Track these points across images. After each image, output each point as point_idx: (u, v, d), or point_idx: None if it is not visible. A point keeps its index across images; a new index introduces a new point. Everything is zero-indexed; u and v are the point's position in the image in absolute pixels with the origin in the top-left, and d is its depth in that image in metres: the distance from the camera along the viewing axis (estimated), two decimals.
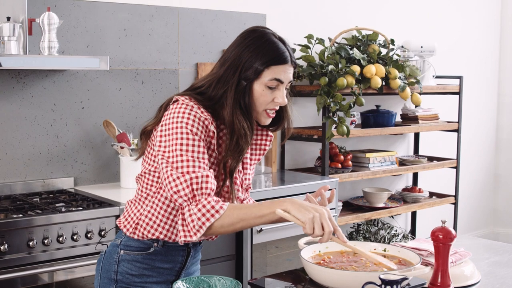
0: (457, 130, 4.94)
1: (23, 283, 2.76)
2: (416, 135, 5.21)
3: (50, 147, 3.43)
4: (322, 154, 4.12)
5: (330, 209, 3.78)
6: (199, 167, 1.87)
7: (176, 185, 1.85)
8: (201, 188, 1.85)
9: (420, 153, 5.20)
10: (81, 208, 3.00)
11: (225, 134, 1.99)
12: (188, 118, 1.89)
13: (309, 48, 4.21)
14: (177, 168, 1.86)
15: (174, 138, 1.88)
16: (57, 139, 3.45)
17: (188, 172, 1.85)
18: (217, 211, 1.83)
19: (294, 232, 3.59)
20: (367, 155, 4.45)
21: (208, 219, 1.83)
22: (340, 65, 4.00)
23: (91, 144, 3.56)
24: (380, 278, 1.74)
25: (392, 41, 4.51)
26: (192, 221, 1.84)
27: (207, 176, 1.86)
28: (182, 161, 1.86)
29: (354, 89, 4.07)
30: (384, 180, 5.01)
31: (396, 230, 4.76)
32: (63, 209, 2.98)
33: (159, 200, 1.99)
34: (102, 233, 2.95)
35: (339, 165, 4.29)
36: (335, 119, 3.99)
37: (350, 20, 4.64)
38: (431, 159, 5.02)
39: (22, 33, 3.08)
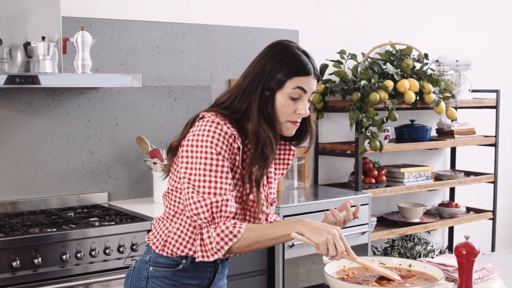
0: (495, 145, 4.88)
1: None
2: (453, 150, 5.15)
3: (84, 162, 3.50)
4: (356, 169, 4.11)
5: (362, 224, 3.80)
6: (221, 188, 1.89)
7: (197, 208, 1.89)
8: (221, 211, 1.88)
9: (457, 167, 5.14)
10: (113, 223, 3.05)
11: (249, 149, 2.00)
12: (213, 137, 1.90)
13: (342, 63, 4.22)
14: (198, 188, 1.89)
15: (199, 157, 1.90)
16: (91, 155, 3.52)
17: (209, 194, 1.88)
18: (235, 236, 1.87)
19: None
20: (402, 170, 4.42)
21: (226, 243, 1.87)
22: (373, 80, 3.99)
23: (124, 160, 3.63)
24: None
25: (426, 56, 4.49)
26: (211, 243, 1.88)
27: (227, 200, 1.89)
28: (204, 181, 1.88)
29: (387, 104, 4.06)
30: (420, 195, 4.96)
31: (432, 246, 4.70)
32: (96, 224, 3.03)
33: (187, 217, 1.99)
34: (134, 247, 2.99)
35: (373, 180, 4.27)
36: (368, 134, 3.98)
37: (383, 35, 4.64)
38: (468, 174, 4.96)
39: (57, 52, 3.16)
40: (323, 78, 4.25)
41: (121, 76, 3.24)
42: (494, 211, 4.92)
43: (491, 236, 4.98)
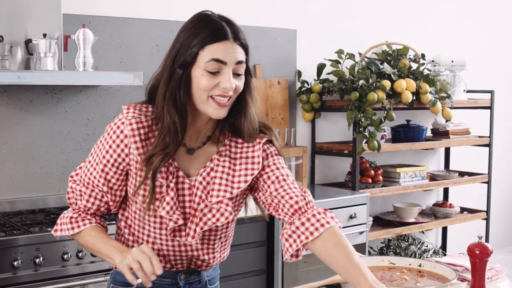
0: (489, 145, 4.90)
1: None
2: (447, 150, 5.17)
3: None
4: (353, 169, 4.11)
5: (360, 224, 3.79)
6: (88, 182, 1.84)
7: (68, 187, 1.92)
8: (76, 199, 1.87)
9: (451, 168, 5.16)
10: (114, 222, 3.02)
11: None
12: (110, 138, 1.78)
13: (340, 63, 4.22)
14: (77, 174, 1.92)
15: (95, 151, 1.85)
16: None
17: (75, 182, 1.89)
18: (67, 229, 1.87)
19: None
20: (398, 170, 4.43)
21: (62, 230, 1.89)
22: (370, 80, 4.00)
23: None
24: None
25: (423, 56, 4.50)
26: (60, 219, 1.91)
27: (85, 193, 1.84)
28: (86, 172, 1.85)
29: (385, 104, 4.07)
30: (415, 195, 4.97)
31: (427, 246, 4.72)
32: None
33: (129, 226, 1.92)
34: None
35: (370, 180, 4.27)
36: (366, 134, 3.98)
37: (380, 35, 4.64)
38: (462, 174, 4.98)
39: (57, 49, 3.13)
40: (321, 78, 4.24)
41: (123, 74, 3.21)
42: (488, 211, 4.95)
43: (485, 236, 5.00)
